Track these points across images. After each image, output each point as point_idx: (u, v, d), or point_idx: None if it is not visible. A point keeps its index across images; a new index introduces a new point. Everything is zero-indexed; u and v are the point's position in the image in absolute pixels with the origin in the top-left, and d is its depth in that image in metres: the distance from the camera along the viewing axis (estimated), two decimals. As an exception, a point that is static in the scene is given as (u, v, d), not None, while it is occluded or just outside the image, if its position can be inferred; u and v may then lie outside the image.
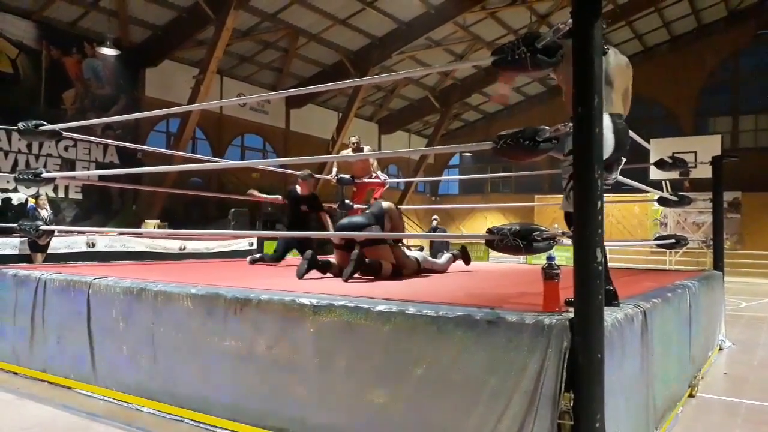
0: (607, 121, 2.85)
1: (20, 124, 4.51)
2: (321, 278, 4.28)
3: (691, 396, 3.79)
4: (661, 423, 3.06)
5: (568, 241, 2.40)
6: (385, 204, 4.74)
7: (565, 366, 2.16)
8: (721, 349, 5.46)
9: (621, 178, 3.56)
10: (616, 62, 3.06)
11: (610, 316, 2.41)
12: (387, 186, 7.58)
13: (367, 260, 4.17)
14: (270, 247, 13.49)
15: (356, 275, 4.11)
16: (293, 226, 6.20)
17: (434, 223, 14.11)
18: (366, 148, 7.36)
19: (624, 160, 3.07)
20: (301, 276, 4.21)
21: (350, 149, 7.35)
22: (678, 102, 21.79)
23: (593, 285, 2.16)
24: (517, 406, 2.23)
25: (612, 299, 2.76)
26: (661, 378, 3.13)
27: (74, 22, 14.30)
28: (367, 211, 4.69)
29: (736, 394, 3.96)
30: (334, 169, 7.43)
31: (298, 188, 6.27)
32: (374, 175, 7.39)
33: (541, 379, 2.20)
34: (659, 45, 22.28)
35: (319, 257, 4.46)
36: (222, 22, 13.88)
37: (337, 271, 4.38)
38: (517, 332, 2.28)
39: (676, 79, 21.52)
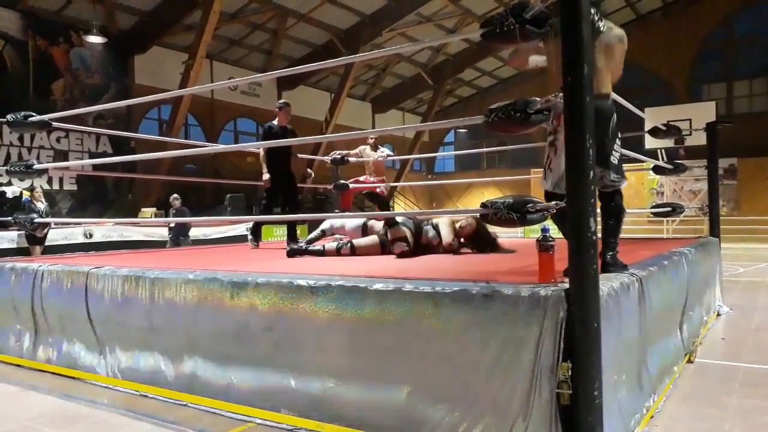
0: None
1: (9, 116, 4.48)
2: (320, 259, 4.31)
3: (689, 361, 3.82)
4: (659, 389, 3.09)
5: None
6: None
7: (562, 336, 2.17)
8: (718, 314, 5.50)
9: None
10: (605, 41, 2.97)
11: (606, 285, 2.42)
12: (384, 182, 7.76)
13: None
14: (268, 233, 13.51)
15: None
16: (281, 167, 5.99)
17: (177, 203, 11.50)
18: (384, 150, 7.65)
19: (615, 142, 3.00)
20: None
21: (368, 146, 7.44)
22: (672, 70, 21.65)
23: (588, 255, 2.17)
24: (516, 377, 2.25)
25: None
26: (659, 344, 3.15)
27: (59, 11, 14.10)
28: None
29: (734, 358, 3.99)
30: (352, 151, 7.45)
31: (275, 122, 6.09)
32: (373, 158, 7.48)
33: (539, 350, 2.21)
34: (652, 12, 22.07)
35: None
36: (209, 5, 13.69)
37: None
38: (513, 305, 2.29)
39: (670, 46, 21.36)
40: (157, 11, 15.06)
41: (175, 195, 11.64)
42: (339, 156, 7.21)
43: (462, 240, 4.63)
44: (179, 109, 14.91)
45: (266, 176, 5.90)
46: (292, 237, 6.10)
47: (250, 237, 6.21)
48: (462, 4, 18.28)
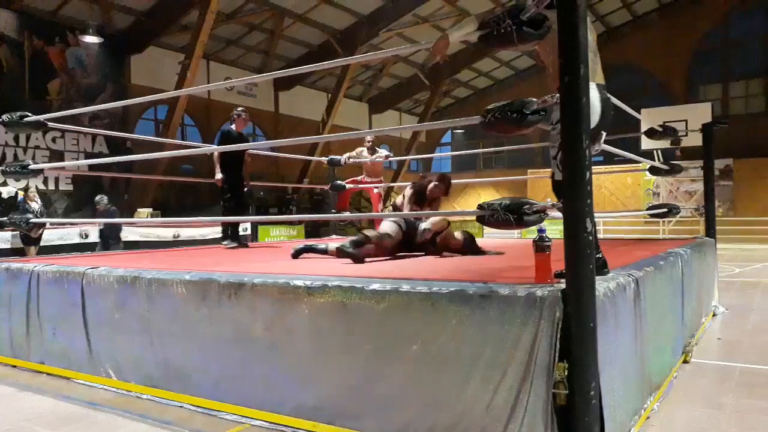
0: (594, 91, 2.83)
1: (4, 116, 4.47)
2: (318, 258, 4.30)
3: (685, 362, 3.83)
4: (656, 389, 3.10)
5: (558, 214, 2.39)
6: None
7: (559, 336, 2.17)
8: (714, 314, 5.51)
9: (609, 148, 3.55)
10: (594, 31, 3.04)
11: (602, 285, 2.42)
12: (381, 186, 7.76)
13: None
14: (265, 233, 13.48)
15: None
16: (235, 171, 6.19)
17: (103, 203, 10.95)
18: (382, 151, 7.63)
19: (604, 133, 3.02)
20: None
21: (365, 148, 7.46)
22: (668, 71, 21.69)
23: (584, 255, 2.17)
24: (512, 377, 2.25)
25: (602, 268, 2.76)
26: (655, 345, 3.16)
27: (55, 11, 14.05)
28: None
29: (730, 358, 4.00)
30: (347, 154, 7.45)
31: (234, 126, 6.29)
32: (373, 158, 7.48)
33: (535, 350, 2.21)
34: (648, 13, 22.11)
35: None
36: (206, 5, 13.68)
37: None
38: (509, 305, 2.29)
39: (666, 47, 21.40)
40: (153, 11, 15.02)
41: (101, 195, 11.13)
42: (338, 157, 7.28)
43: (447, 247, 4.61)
44: (176, 109, 14.88)
45: (218, 176, 6.14)
46: (234, 237, 6.34)
47: (225, 242, 6.30)
48: (458, 5, 18.29)
